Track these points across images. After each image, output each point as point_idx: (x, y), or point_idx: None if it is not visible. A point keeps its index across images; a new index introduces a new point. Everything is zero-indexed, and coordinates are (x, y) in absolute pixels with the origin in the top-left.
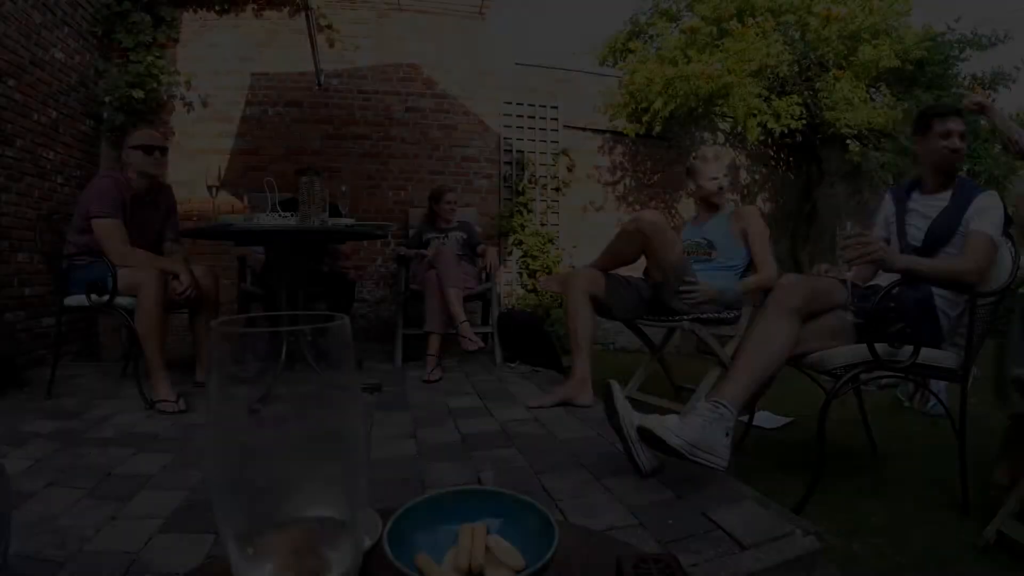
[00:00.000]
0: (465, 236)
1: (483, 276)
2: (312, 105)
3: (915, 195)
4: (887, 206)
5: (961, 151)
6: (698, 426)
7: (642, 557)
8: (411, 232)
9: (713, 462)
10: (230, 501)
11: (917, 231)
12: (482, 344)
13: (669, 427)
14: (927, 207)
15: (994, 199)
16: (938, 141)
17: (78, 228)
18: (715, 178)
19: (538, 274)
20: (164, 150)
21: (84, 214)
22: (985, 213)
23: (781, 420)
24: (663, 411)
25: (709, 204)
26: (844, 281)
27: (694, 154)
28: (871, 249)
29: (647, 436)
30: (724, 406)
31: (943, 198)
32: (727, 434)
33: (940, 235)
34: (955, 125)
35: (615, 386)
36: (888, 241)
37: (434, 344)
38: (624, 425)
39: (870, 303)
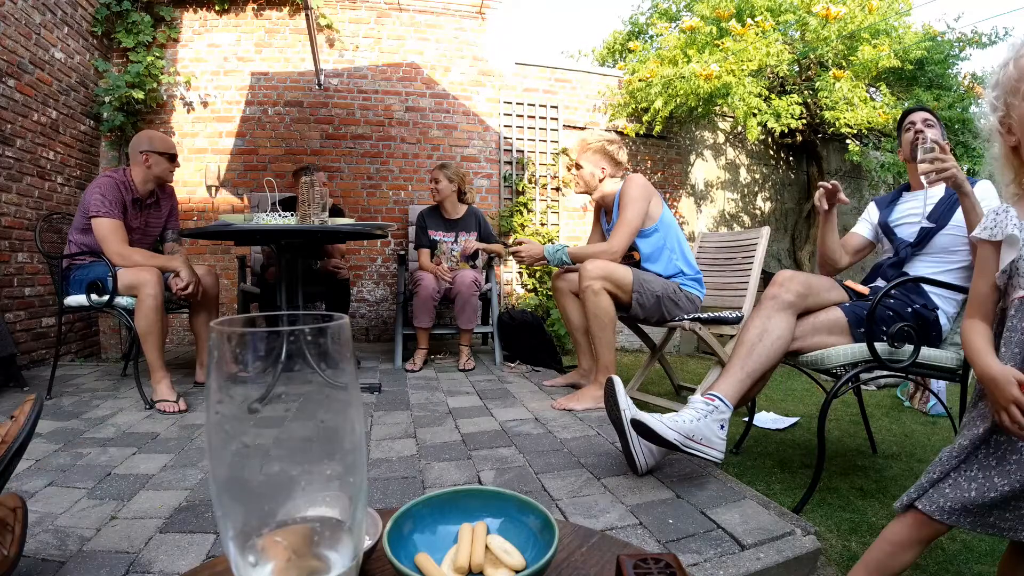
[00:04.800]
0: (476, 235)
1: (483, 279)
2: (312, 105)
3: (904, 196)
4: (871, 212)
5: (923, 132)
6: (692, 419)
7: (642, 557)
8: (414, 228)
9: (708, 454)
10: (230, 501)
11: (909, 226)
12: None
13: (663, 420)
14: (918, 203)
15: (988, 188)
16: (904, 134)
17: (80, 227)
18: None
19: (538, 274)
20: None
21: (86, 212)
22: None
23: (787, 421)
24: (664, 411)
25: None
26: (842, 282)
27: None
28: (948, 166)
29: (641, 429)
30: (719, 399)
31: (936, 192)
32: (722, 427)
33: (934, 223)
34: (917, 117)
35: (617, 380)
36: (874, 245)
37: (422, 339)
38: (626, 420)
39: (870, 303)
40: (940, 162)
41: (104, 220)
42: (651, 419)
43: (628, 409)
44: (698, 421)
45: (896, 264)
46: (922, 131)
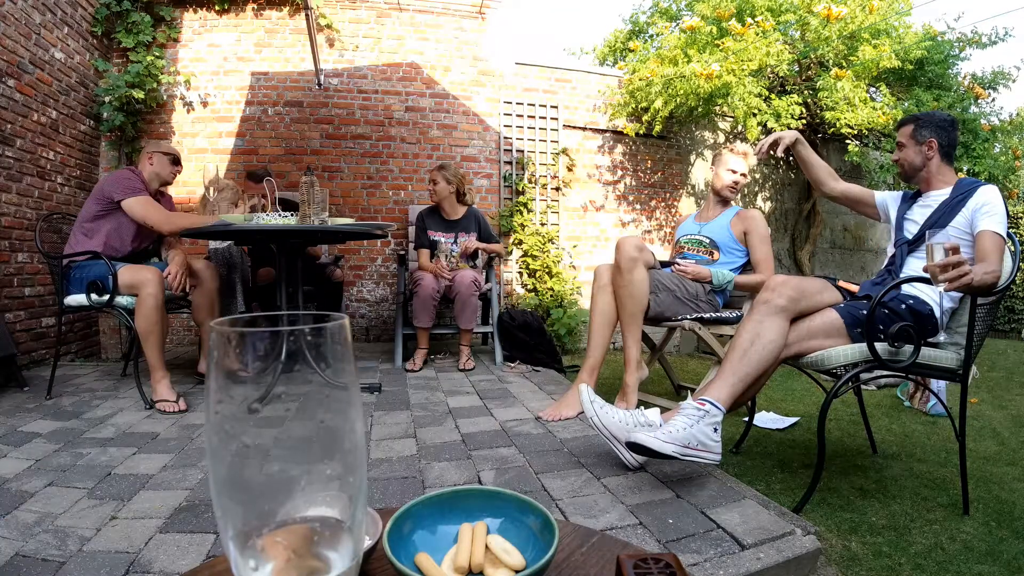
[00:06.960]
0: (476, 236)
1: (483, 279)
2: (312, 105)
3: (922, 197)
4: (894, 195)
5: (899, 161)
6: (684, 426)
7: (642, 557)
8: (414, 228)
9: (706, 458)
10: (230, 501)
11: (913, 225)
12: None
13: (658, 435)
14: (927, 204)
15: (994, 193)
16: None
17: (91, 215)
18: (734, 171)
19: (538, 273)
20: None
21: (103, 199)
22: (990, 210)
23: (787, 421)
24: (664, 411)
25: (720, 198)
26: (835, 282)
27: (730, 145)
28: (963, 277)
29: (639, 449)
30: (710, 403)
31: (943, 193)
32: (715, 429)
33: (932, 225)
34: (898, 135)
35: (584, 388)
36: (876, 213)
37: (422, 339)
38: (598, 426)
39: (867, 303)
40: (952, 270)
41: (134, 199)
42: (646, 438)
43: (595, 415)
44: (691, 428)
45: (892, 260)
46: (896, 159)
